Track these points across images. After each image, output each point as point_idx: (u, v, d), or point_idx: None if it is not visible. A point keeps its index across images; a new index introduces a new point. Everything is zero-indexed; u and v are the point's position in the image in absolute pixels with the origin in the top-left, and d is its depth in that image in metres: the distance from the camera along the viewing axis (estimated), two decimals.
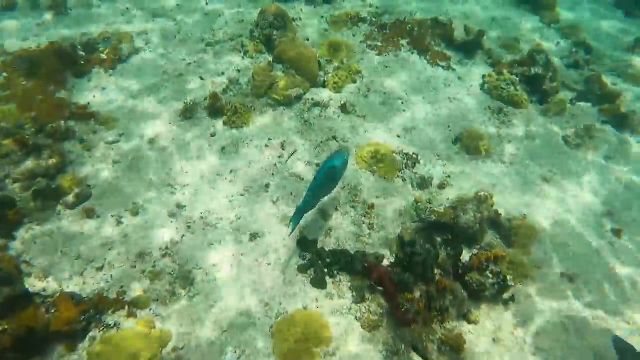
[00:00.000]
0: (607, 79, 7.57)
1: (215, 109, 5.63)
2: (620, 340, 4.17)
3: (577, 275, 4.76)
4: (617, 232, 5.33)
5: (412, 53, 7.21)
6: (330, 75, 6.38)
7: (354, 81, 6.47)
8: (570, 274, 4.75)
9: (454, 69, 7.09)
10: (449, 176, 5.48)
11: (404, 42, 7.35)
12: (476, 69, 7.18)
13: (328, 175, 4.02)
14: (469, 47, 7.45)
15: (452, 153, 5.78)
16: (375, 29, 7.48)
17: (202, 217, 4.69)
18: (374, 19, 7.71)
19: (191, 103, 5.66)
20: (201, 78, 6.16)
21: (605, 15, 9.47)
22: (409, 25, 7.58)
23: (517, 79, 6.72)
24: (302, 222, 4.43)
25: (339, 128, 5.77)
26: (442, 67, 7.08)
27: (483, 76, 6.89)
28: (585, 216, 5.42)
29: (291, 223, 4.08)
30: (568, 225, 5.25)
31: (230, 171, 5.14)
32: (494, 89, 6.65)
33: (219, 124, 5.62)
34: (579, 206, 5.49)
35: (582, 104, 7.00)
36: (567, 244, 5.04)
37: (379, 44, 7.24)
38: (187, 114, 5.62)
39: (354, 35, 7.33)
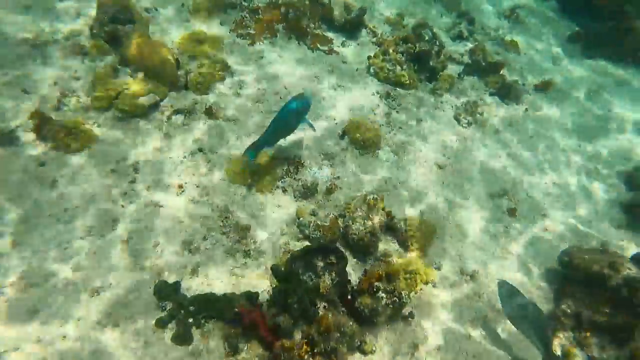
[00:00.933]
0: (491, 49, 7.42)
1: (41, 132, 4.48)
2: (505, 284, 3.85)
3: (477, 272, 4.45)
4: (512, 211, 5.14)
5: (290, 39, 6.46)
6: (192, 74, 5.44)
7: (223, 79, 5.59)
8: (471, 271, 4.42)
9: (337, 53, 6.47)
10: (337, 177, 4.89)
11: (280, 27, 6.56)
12: (361, 50, 6.62)
13: (287, 117, 4.19)
14: (352, 27, 6.86)
15: (339, 150, 5.19)
16: (247, 15, 6.61)
17: None
18: (244, 2, 6.81)
19: (8, 129, 4.46)
20: (25, 92, 4.91)
21: None
22: (285, 7, 6.79)
23: (403, 58, 6.26)
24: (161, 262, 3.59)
25: (206, 138, 4.91)
26: (324, 51, 6.42)
27: (368, 57, 6.35)
28: (481, 201, 5.15)
29: (248, 154, 4.36)
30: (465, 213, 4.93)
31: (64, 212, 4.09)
32: (380, 71, 6.14)
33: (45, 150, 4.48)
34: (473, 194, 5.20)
35: (470, 77, 6.75)
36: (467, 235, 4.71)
37: (251, 31, 6.39)
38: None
39: (221, 24, 6.40)
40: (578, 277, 4.12)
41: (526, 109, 6.52)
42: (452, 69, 6.76)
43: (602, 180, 5.95)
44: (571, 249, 4.35)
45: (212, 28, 6.26)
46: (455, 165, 5.45)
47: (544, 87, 6.92)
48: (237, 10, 6.66)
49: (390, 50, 6.30)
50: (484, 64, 6.80)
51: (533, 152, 6.00)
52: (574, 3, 8.97)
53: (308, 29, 6.61)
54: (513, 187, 5.44)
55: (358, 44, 6.77)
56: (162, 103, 5.12)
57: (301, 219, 4.28)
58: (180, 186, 4.46)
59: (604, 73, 7.77)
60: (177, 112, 5.09)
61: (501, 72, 6.79)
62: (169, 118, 5.03)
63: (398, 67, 6.12)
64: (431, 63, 6.35)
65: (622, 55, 8.04)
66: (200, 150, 4.80)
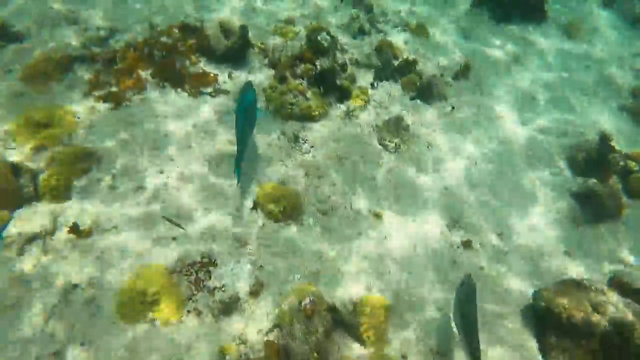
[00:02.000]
0: (398, 38, 6.60)
1: None
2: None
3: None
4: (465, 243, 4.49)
5: (164, 87, 5.21)
6: (42, 176, 4.12)
7: (87, 171, 4.31)
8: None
9: (225, 92, 5.32)
10: (261, 267, 3.93)
11: (147, 74, 5.27)
12: (254, 79, 5.52)
13: (248, 112, 4.10)
14: (237, 52, 5.70)
15: (256, 229, 4.19)
16: (101, 68, 5.22)
17: None
18: (95, 49, 5.39)
19: None
20: None
21: None
22: (148, 47, 5.45)
23: (305, 82, 5.27)
24: None
25: (83, 276, 3.71)
26: (210, 94, 5.25)
27: (264, 91, 5.28)
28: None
29: (235, 174, 4.20)
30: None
31: None
32: (281, 109, 5.11)
33: None
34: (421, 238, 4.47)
35: (385, 83, 5.91)
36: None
37: (113, 89, 5.05)
38: None
39: (70, 89, 4.99)
40: (561, 326, 3.55)
41: (452, 107, 5.83)
42: (363, 78, 5.88)
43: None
44: (544, 291, 3.77)
45: (59, 98, 4.85)
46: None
47: (464, 73, 6.26)
48: (87, 63, 5.25)
49: (288, 75, 5.27)
50: (395, 63, 5.98)
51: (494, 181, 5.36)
52: None
53: (183, 70, 5.37)
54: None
55: (248, 72, 5.65)
56: (4, 233, 3.80)
57: (228, 357, 3.30)
58: None
59: (521, 39, 7.27)
60: (30, 239, 3.81)
61: (416, 67, 6.01)
62: (20, 252, 3.74)
63: (301, 97, 5.13)
64: (338, 82, 5.41)
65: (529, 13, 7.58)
66: (75, 286, 3.61)
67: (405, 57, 6.11)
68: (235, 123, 4.08)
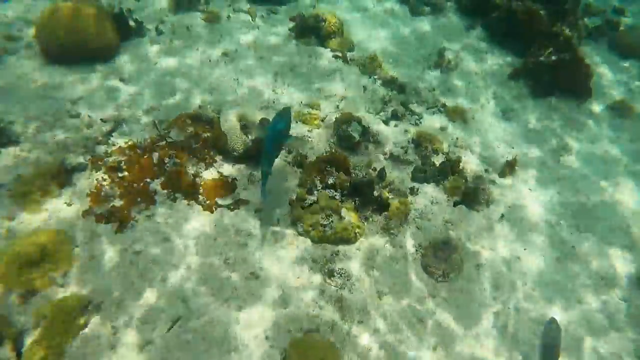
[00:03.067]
0: (435, 122, 5.95)
1: None
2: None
3: None
4: None
5: (175, 200, 4.51)
6: (26, 351, 3.38)
7: (81, 328, 3.58)
8: None
9: (245, 202, 4.62)
10: None
11: (156, 185, 4.57)
12: (277, 185, 4.83)
13: (276, 139, 4.15)
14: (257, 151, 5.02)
15: None
16: (104, 177, 4.52)
17: None
18: (96, 154, 4.70)
19: None
20: None
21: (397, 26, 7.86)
22: (156, 154, 4.77)
23: (337, 195, 4.58)
24: None
25: None
26: (229, 207, 4.56)
27: (290, 205, 4.58)
28: None
29: (263, 197, 4.25)
30: None
31: None
32: (312, 231, 4.40)
33: None
34: None
35: (425, 186, 5.21)
36: None
37: (116, 204, 4.35)
38: None
39: (67, 204, 4.29)
40: None
41: (502, 215, 5.13)
42: (401, 178, 5.18)
43: None
44: None
45: (55, 219, 4.15)
46: None
47: (510, 170, 5.57)
48: (87, 171, 4.57)
49: (317, 183, 4.59)
50: (435, 161, 5.32)
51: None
52: (498, 28, 7.74)
53: (197, 178, 4.69)
54: None
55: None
56: None
57: None
58: None
59: (567, 120, 6.62)
60: None
61: (459, 165, 5.32)
62: None
63: (335, 217, 4.42)
64: (375, 193, 4.72)
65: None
66: None
67: (445, 152, 5.45)
68: (265, 145, 4.16)
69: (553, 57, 6.75)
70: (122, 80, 5.68)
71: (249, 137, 4.95)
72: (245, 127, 5.02)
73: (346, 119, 5.42)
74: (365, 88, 6.28)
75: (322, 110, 5.84)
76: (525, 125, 6.42)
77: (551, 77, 6.82)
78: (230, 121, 4.99)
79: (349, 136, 5.28)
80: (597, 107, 6.95)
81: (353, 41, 7.14)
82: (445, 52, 7.06)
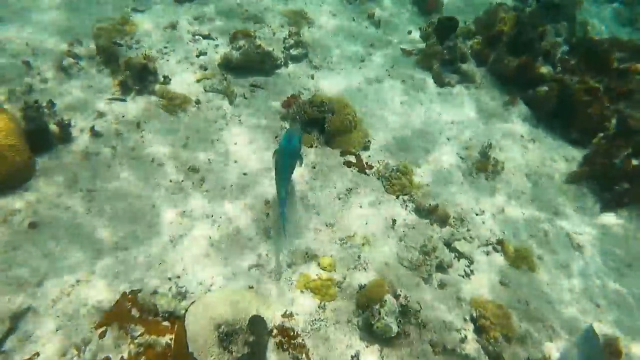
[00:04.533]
0: (488, 271, 4.20)
1: None
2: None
3: None
4: None
5: None
6: None
7: None
8: None
9: None
10: None
11: None
12: None
13: (291, 156, 3.80)
14: None
15: None
16: None
17: None
18: None
19: None
20: None
21: None
22: None
23: None
24: None
25: None
26: None
27: None
28: None
29: (282, 220, 3.77)
30: None
31: None
32: None
33: None
34: None
35: None
36: None
37: None
38: None
39: None
40: None
41: None
42: None
43: None
44: None
45: None
46: None
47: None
48: None
49: None
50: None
51: None
52: (545, 106, 6.10)
53: None
54: None
55: None
56: None
57: None
58: None
59: None
60: None
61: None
62: None
63: None
64: None
65: None
66: None
67: (520, 336, 3.72)
68: (277, 168, 3.78)
69: (634, 162, 5.13)
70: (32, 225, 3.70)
71: (233, 355, 3.07)
72: (227, 337, 3.13)
73: (376, 295, 3.62)
74: (394, 223, 4.46)
75: (336, 264, 4.01)
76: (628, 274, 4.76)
77: (631, 185, 5.20)
78: (200, 326, 3.10)
79: (384, 329, 3.48)
80: None
81: (369, 133, 5.33)
82: (489, 149, 5.32)
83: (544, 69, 6.24)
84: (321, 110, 4.98)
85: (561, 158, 5.77)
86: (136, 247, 3.79)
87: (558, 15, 7.83)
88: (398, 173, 4.77)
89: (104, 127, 4.60)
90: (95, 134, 4.50)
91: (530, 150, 5.78)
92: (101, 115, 4.71)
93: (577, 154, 5.84)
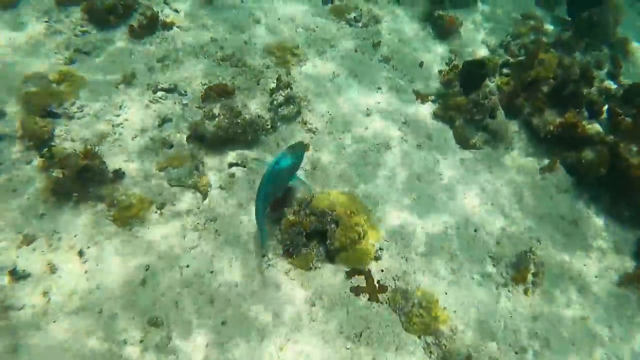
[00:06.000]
0: None
1: None
2: None
3: None
4: None
5: None
6: None
7: None
8: None
9: None
10: None
11: None
12: None
13: (277, 179, 3.55)
14: None
15: None
16: None
17: None
18: None
19: None
20: None
21: None
22: None
23: None
24: None
25: None
26: None
27: None
28: None
29: (262, 240, 3.69)
30: None
31: None
32: None
33: None
34: None
35: None
36: None
37: None
38: None
39: None
40: None
41: None
42: None
43: None
44: None
45: None
46: None
47: None
48: None
49: None
50: None
51: None
52: (589, 172, 5.00)
53: None
54: None
55: None
56: None
57: None
58: None
59: None
60: None
61: None
62: None
63: None
64: None
65: None
66: None
67: None
68: (264, 179, 3.48)
69: None
70: None
71: None
72: None
73: None
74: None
75: None
76: None
77: None
78: None
79: None
80: None
81: (379, 234, 4.23)
82: (531, 254, 4.27)
83: (591, 127, 5.08)
84: (322, 222, 3.83)
85: (610, 246, 4.77)
86: None
87: (596, 37, 6.56)
88: (421, 308, 3.72)
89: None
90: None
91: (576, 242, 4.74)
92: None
93: (631, 236, 4.85)
